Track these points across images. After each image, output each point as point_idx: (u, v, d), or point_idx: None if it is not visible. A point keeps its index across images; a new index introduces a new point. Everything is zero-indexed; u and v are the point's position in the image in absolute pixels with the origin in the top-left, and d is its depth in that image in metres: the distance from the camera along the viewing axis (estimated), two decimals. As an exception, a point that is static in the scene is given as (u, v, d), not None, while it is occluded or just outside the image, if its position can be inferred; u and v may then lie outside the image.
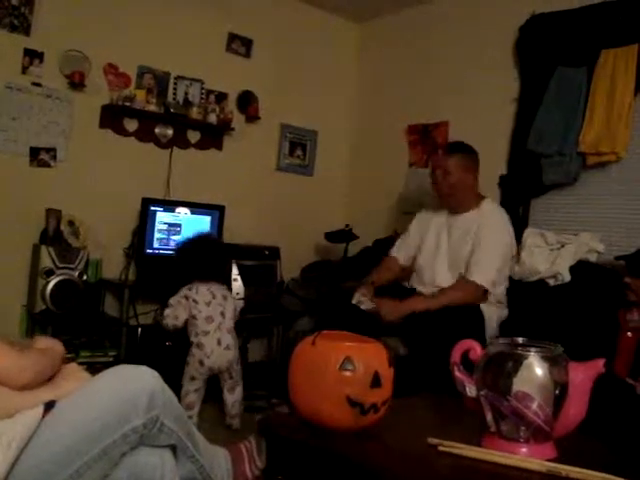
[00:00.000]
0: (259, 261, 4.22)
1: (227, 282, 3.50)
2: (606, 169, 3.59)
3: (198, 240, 3.40)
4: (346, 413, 1.61)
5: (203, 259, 3.27)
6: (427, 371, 2.66)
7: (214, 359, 3.15)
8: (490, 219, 3.25)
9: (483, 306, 3.15)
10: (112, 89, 3.95)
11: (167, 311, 3.20)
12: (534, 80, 3.85)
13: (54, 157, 3.80)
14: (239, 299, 3.34)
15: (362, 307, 3.13)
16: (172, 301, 3.20)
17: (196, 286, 3.22)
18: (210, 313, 3.19)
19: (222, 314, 3.22)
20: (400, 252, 3.57)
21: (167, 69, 4.20)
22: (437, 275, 3.33)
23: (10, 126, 3.64)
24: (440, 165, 3.30)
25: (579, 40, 3.65)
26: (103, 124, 3.98)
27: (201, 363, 3.14)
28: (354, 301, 3.17)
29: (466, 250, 3.23)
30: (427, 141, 4.54)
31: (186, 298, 3.18)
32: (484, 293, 3.14)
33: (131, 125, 4.09)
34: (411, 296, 3.24)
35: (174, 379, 2.99)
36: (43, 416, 1.38)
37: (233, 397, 3.28)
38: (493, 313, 3.20)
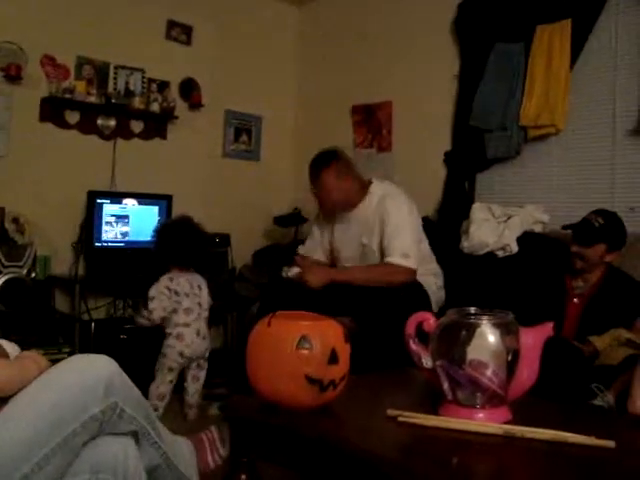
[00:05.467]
0: (210, 249, 4.20)
1: (206, 269, 3.48)
2: (547, 142, 3.68)
3: (178, 224, 3.36)
4: (305, 391, 1.62)
5: (183, 245, 3.23)
6: (380, 347, 2.71)
7: (194, 349, 3.19)
8: (385, 206, 3.20)
9: (422, 280, 3.19)
10: (51, 81, 3.87)
11: (152, 304, 3.15)
12: (474, 57, 3.92)
13: (-6, 154, 3.72)
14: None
15: (289, 274, 3.16)
16: (154, 292, 3.16)
17: (176, 277, 3.21)
18: (189, 305, 3.20)
19: (199, 304, 3.25)
20: (310, 253, 3.55)
21: (106, 59, 4.13)
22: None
23: (-54, 123, 3.55)
24: (318, 188, 3.27)
25: (515, 16, 3.72)
26: (43, 117, 3.90)
27: (181, 354, 3.15)
28: (284, 274, 3.22)
29: (372, 239, 3.23)
30: (372, 121, 4.57)
31: (168, 289, 3.16)
32: (409, 271, 3.11)
33: (72, 117, 4.02)
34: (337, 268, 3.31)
35: (131, 372, 2.97)
36: (-1, 410, 1.36)
37: (195, 386, 3.30)
38: (433, 286, 3.26)
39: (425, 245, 3.37)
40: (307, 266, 3.23)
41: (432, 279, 3.27)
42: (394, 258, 3.09)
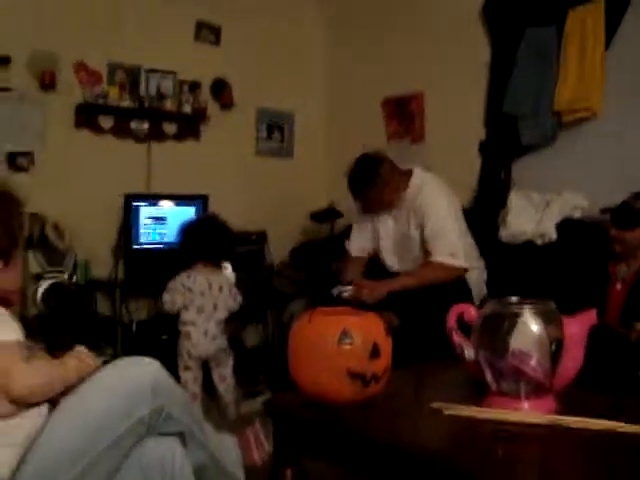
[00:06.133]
0: (247, 246, 4.23)
1: (237, 265, 3.57)
2: (584, 126, 3.61)
3: (203, 221, 3.44)
4: (348, 386, 1.62)
5: (207, 239, 3.25)
6: (423, 341, 2.69)
7: (201, 349, 3.18)
8: (422, 194, 3.20)
9: (466, 275, 3.17)
10: (84, 88, 3.93)
11: (165, 296, 3.20)
12: (505, 43, 3.86)
13: (32, 161, 3.78)
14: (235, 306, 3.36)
15: (344, 295, 3.14)
16: (170, 285, 3.20)
17: (194, 274, 3.22)
18: (202, 304, 3.19)
19: (214, 306, 3.22)
20: (359, 249, 3.53)
21: (137, 63, 4.17)
22: (391, 262, 3.38)
23: (-16, 134, 3.61)
24: (362, 202, 3.32)
25: (546, 0, 3.66)
26: (78, 124, 3.96)
27: (189, 354, 3.17)
28: (335, 293, 3.19)
29: (412, 229, 3.23)
30: (404, 113, 4.54)
31: (182, 285, 3.18)
32: (459, 270, 3.11)
33: (106, 122, 4.07)
34: (388, 277, 3.26)
35: (173, 371, 3.02)
36: (48, 414, 1.38)
37: (224, 385, 3.29)
38: (478, 280, 3.25)
39: (469, 240, 3.34)
40: (360, 284, 3.19)
41: (476, 274, 3.25)
42: (442, 257, 3.08)
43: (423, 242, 3.18)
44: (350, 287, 3.16)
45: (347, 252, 3.55)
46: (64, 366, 1.50)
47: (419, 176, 3.29)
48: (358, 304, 3.00)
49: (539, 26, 3.67)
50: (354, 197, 3.34)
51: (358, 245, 3.53)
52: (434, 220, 3.13)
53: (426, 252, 3.17)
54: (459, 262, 3.09)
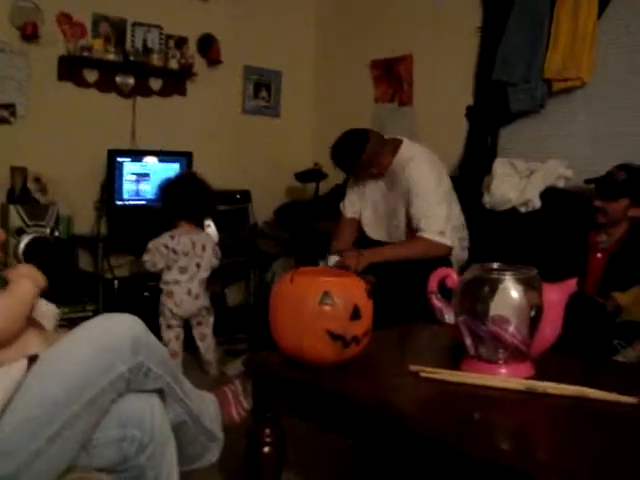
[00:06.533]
0: (231, 205, 4.22)
1: (219, 224, 3.61)
2: (572, 95, 3.61)
3: (183, 179, 3.39)
4: (328, 347, 1.63)
5: (187, 198, 3.24)
6: (400, 302, 2.71)
7: (184, 308, 3.20)
8: (409, 168, 3.17)
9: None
10: (68, 40, 3.85)
11: (145, 256, 3.20)
12: (497, 8, 3.82)
13: (13, 113, 3.72)
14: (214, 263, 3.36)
15: (329, 264, 3.15)
16: (151, 246, 3.19)
17: (178, 235, 3.21)
18: (186, 264, 3.19)
19: (197, 265, 3.23)
20: (353, 212, 3.50)
21: (123, 15, 4.10)
22: (374, 232, 3.38)
23: (-36, 84, 3.54)
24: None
25: (540, -36, 3.61)
26: (62, 76, 3.89)
27: (172, 312, 3.18)
28: (321, 264, 3.19)
29: (398, 202, 3.22)
30: (392, 76, 4.51)
31: (165, 247, 3.17)
32: (446, 248, 3.11)
33: (91, 76, 4.01)
34: (374, 247, 3.25)
35: (155, 328, 3.03)
36: (27, 369, 1.38)
37: (205, 344, 3.33)
38: (456, 248, 3.25)
39: (457, 213, 3.33)
40: (347, 255, 3.18)
41: (457, 242, 3.25)
42: (431, 235, 3.07)
43: (409, 218, 3.17)
44: (335, 257, 3.17)
45: (342, 214, 3.52)
46: (13, 294, 1.49)
47: (408, 148, 3.25)
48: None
49: (532, -9, 3.63)
50: (342, 169, 3.34)
51: (352, 208, 3.50)
52: (422, 197, 3.10)
53: (411, 230, 3.17)
54: (447, 241, 3.10)
